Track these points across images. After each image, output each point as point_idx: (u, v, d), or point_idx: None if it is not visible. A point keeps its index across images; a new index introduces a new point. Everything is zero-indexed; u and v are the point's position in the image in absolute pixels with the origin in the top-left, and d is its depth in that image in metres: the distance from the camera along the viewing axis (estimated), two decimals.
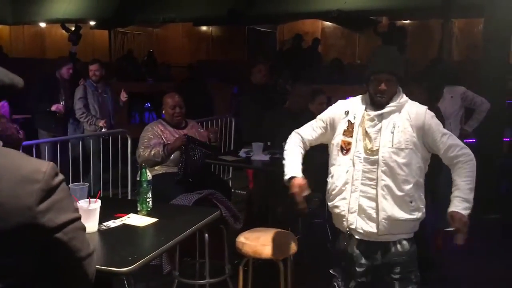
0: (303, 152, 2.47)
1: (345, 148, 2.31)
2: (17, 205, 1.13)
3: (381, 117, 2.28)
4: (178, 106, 3.78)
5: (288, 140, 2.47)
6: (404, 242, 2.32)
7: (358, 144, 2.28)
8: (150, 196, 2.26)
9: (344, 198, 2.31)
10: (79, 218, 1.27)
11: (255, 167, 3.68)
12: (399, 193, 2.23)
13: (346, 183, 2.29)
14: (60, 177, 1.22)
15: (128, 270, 1.64)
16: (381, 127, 2.26)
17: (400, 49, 9.95)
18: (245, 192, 4.04)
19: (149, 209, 2.25)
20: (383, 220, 2.25)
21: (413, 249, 2.35)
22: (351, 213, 2.29)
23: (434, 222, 4.19)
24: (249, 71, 5.00)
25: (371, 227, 2.28)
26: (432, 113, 2.33)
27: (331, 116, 2.40)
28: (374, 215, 2.26)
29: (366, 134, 2.27)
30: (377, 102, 2.26)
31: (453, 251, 4.44)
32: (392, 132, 2.24)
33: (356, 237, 2.33)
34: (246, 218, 3.90)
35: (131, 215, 2.21)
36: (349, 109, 2.35)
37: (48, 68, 5.61)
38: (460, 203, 2.18)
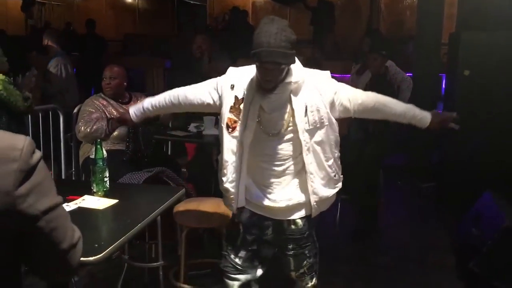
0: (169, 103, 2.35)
1: (231, 127, 2.13)
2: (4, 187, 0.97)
3: (279, 97, 2.08)
4: (110, 77, 3.52)
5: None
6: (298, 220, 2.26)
7: (249, 124, 2.11)
8: (107, 175, 2.05)
9: (233, 181, 2.19)
10: (61, 203, 1.09)
11: (207, 142, 3.53)
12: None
13: (232, 163, 2.16)
14: (38, 154, 1.03)
15: (98, 259, 1.47)
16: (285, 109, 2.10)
17: (329, 23, 10.08)
18: (184, 169, 3.91)
19: (105, 189, 2.05)
20: (314, 204, 2.21)
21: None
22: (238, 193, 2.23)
23: None
24: (184, 45, 4.79)
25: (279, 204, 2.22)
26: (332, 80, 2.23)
27: (218, 87, 2.21)
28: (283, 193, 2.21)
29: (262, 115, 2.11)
30: (264, 87, 2.06)
31: (390, 218, 4.63)
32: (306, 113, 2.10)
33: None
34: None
35: (86, 197, 2.01)
36: (235, 82, 2.15)
37: None
38: (422, 111, 2.29)
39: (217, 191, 3.62)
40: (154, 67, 7.89)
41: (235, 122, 2.11)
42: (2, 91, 3.20)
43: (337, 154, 2.26)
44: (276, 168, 2.18)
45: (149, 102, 2.42)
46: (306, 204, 2.22)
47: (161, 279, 3.00)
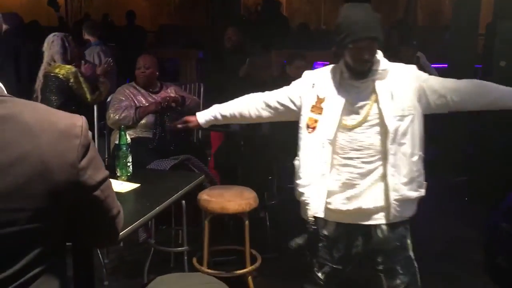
0: (254, 108, 2.25)
1: (310, 126, 2.07)
2: (60, 162, 1.07)
3: (366, 86, 2.04)
4: (144, 66, 3.61)
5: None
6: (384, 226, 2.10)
7: (334, 119, 2.03)
8: (130, 160, 2.13)
9: (323, 175, 2.07)
10: (109, 175, 1.22)
11: (232, 131, 3.58)
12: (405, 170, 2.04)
13: (315, 166, 2.07)
14: (90, 132, 1.14)
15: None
16: (369, 97, 2.03)
17: None
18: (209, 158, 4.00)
19: (129, 174, 2.13)
20: (394, 202, 2.05)
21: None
22: (337, 193, 2.09)
23: None
24: (216, 36, 4.86)
25: (370, 209, 2.08)
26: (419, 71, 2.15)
27: (297, 89, 2.15)
28: (374, 194, 2.07)
29: (346, 108, 2.04)
30: (358, 70, 2.02)
31: (420, 212, 4.57)
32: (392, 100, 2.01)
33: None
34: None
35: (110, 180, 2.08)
36: (316, 81, 2.10)
37: None
38: None
39: (243, 180, 3.69)
40: (187, 58, 7.97)
41: (316, 121, 2.04)
42: (72, 82, 3.40)
43: (421, 154, 2.09)
44: (362, 165, 2.04)
45: (220, 112, 2.31)
46: (389, 207, 2.05)
47: (186, 263, 3.08)
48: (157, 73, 3.70)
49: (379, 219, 2.08)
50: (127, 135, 2.16)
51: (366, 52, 1.95)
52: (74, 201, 1.14)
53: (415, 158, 2.05)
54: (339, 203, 2.09)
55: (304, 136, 2.09)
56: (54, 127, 1.08)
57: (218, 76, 4.55)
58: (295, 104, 2.16)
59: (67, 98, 3.45)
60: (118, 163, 2.11)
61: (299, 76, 4.39)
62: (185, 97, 3.69)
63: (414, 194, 2.08)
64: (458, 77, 2.19)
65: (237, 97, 3.83)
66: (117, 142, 2.15)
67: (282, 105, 2.19)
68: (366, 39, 1.94)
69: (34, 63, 4.45)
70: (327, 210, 2.11)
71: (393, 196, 2.02)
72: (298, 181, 2.14)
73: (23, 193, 1.04)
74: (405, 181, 2.03)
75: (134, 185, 2.04)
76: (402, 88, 2.03)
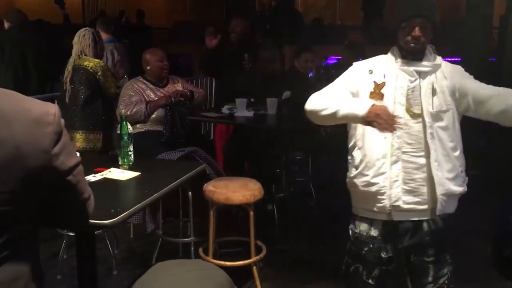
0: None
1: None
2: (33, 148, 1.12)
3: (419, 74, 2.00)
4: (164, 59, 3.69)
5: (314, 99, 2.02)
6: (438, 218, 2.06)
7: (396, 106, 1.96)
8: (132, 149, 2.17)
9: (383, 173, 1.97)
10: (81, 161, 1.27)
11: (239, 123, 3.61)
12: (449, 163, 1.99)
13: (384, 154, 1.97)
14: (63, 120, 1.19)
15: (112, 223, 1.57)
16: (419, 88, 2.00)
17: (378, 8, 9.84)
18: None
19: (131, 163, 2.17)
20: (441, 196, 1.99)
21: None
22: (394, 188, 1.98)
23: None
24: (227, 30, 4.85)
25: (421, 203, 2.02)
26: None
27: (353, 79, 2.04)
28: (425, 189, 2.00)
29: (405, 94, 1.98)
30: (410, 50, 1.97)
31: None
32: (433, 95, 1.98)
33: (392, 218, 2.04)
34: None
35: (112, 169, 2.13)
36: (373, 67, 2.02)
37: None
38: None
39: (252, 173, 3.72)
40: (200, 52, 8.02)
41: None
42: (100, 76, 3.48)
43: (461, 149, 2.05)
44: (416, 155, 1.98)
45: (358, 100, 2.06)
46: (436, 201, 2.01)
47: (192, 254, 3.12)
48: None
49: (427, 214, 2.04)
50: (128, 124, 2.20)
51: (418, 29, 1.92)
52: (47, 186, 1.19)
53: (457, 153, 2.03)
54: (394, 198, 2.00)
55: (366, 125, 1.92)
56: (28, 114, 1.13)
57: (224, 69, 4.56)
58: (353, 94, 2.04)
59: (93, 91, 3.52)
60: (120, 152, 2.15)
61: (307, 69, 4.41)
62: (193, 91, 3.74)
63: (459, 189, 2.06)
64: (473, 71, 2.10)
65: (246, 90, 3.86)
66: (118, 132, 2.19)
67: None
68: (418, 17, 1.92)
69: (40, 57, 4.58)
70: (376, 208, 2.03)
71: (439, 191, 1.98)
72: (366, 172, 2.00)
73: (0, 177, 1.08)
74: (449, 176, 2.00)
75: (134, 173, 2.08)
76: (445, 83, 2.01)
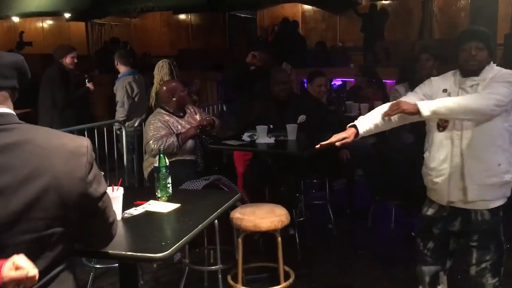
0: None
1: (441, 126, 2.36)
2: (71, 177, 1.29)
3: (474, 89, 2.33)
4: (184, 89, 3.81)
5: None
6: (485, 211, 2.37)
7: (464, 124, 2.31)
8: (170, 182, 2.22)
9: (442, 174, 2.38)
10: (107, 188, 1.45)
11: (261, 150, 3.66)
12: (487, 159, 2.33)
13: (444, 160, 2.37)
14: (93, 152, 1.35)
15: (164, 256, 1.60)
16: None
17: (379, 30, 9.99)
18: None
19: (169, 195, 2.21)
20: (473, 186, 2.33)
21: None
22: (450, 186, 2.38)
23: None
24: (234, 58, 4.93)
25: (464, 195, 2.36)
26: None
27: (430, 93, 2.43)
28: (466, 183, 2.34)
29: None
30: (468, 68, 2.33)
31: None
32: None
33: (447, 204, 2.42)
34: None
35: (151, 201, 2.17)
36: (447, 87, 2.40)
37: (29, 63, 5.41)
38: None
39: (272, 198, 3.76)
40: (207, 80, 8.14)
41: (446, 121, 2.34)
42: None
43: (505, 146, 2.34)
44: (472, 156, 2.32)
45: (373, 122, 2.45)
46: (493, 195, 2.35)
47: (220, 281, 3.13)
48: None
49: (479, 204, 2.36)
50: (166, 157, 2.25)
51: (473, 50, 2.30)
52: (81, 210, 1.33)
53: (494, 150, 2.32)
54: (452, 191, 2.39)
55: (436, 134, 2.40)
56: (63, 148, 1.30)
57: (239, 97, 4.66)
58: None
59: None
60: (159, 185, 2.20)
61: (320, 93, 4.47)
62: (213, 119, 3.82)
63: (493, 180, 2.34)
64: None
65: (261, 117, 3.93)
66: (156, 164, 2.23)
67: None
68: (472, 41, 2.31)
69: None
70: (438, 193, 2.46)
71: (489, 181, 2.31)
72: (431, 172, 2.45)
73: (41, 204, 1.24)
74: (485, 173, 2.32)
75: (174, 205, 2.12)
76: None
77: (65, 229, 1.30)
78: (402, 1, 11.45)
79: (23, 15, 12.36)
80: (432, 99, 2.34)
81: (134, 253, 1.59)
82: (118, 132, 4.80)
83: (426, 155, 2.50)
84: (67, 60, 4.90)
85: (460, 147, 2.34)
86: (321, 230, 4.38)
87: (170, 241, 1.69)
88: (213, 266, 3.28)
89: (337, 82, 8.01)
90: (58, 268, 1.31)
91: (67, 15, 11.89)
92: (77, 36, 13.45)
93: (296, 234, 3.89)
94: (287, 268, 3.17)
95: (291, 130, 3.60)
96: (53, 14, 12.18)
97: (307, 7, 12.50)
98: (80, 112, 5.19)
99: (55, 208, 1.25)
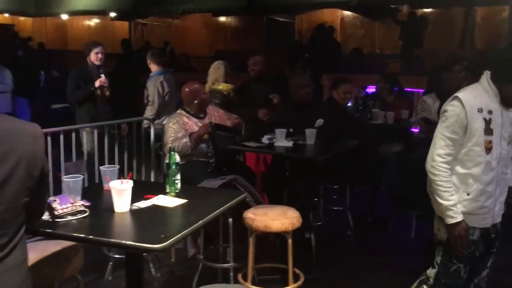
0: None
1: (487, 148, 2.25)
2: (34, 155, 1.55)
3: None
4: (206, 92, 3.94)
5: (443, 169, 2.29)
6: None
7: (501, 142, 2.29)
8: (179, 178, 2.31)
9: (490, 197, 2.32)
10: None
11: (278, 153, 3.72)
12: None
13: (491, 182, 2.30)
14: None
15: (161, 247, 1.69)
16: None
17: (418, 38, 9.81)
18: None
19: (177, 190, 2.30)
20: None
21: None
22: (497, 207, 2.37)
23: None
24: (270, 60, 4.99)
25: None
26: None
27: (468, 124, 2.25)
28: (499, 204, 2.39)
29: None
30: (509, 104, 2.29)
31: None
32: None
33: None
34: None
35: (160, 196, 2.27)
36: (482, 106, 2.25)
37: (71, 59, 5.62)
38: None
39: (290, 201, 3.80)
40: (240, 82, 8.22)
41: (490, 142, 2.25)
42: (232, 95, 4.66)
43: None
44: (501, 177, 2.36)
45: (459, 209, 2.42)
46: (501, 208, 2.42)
47: (232, 279, 3.21)
48: None
49: (500, 216, 2.44)
50: (176, 154, 2.34)
51: None
52: (37, 184, 1.58)
53: None
54: (498, 210, 2.41)
55: (483, 158, 2.27)
56: (26, 132, 1.56)
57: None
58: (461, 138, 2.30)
59: (226, 107, 4.41)
60: (168, 180, 2.30)
61: (346, 100, 4.48)
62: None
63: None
64: None
65: (280, 120, 4.00)
66: (167, 161, 2.33)
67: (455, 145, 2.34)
68: None
69: None
70: (482, 217, 2.38)
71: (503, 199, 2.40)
72: (479, 197, 2.32)
73: (14, 177, 1.49)
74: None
75: (181, 201, 2.21)
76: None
77: (29, 199, 1.57)
78: (444, 10, 11.22)
79: (71, 13, 12.88)
80: (469, 124, 2.25)
81: (132, 243, 1.69)
82: (147, 129, 4.95)
83: (469, 182, 2.31)
84: (92, 56, 4.82)
85: (499, 167, 2.32)
86: (340, 236, 4.38)
87: (170, 234, 1.77)
88: (227, 263, 3.36)
89: (371, 89, 7.95)
90: (21, 233, 1.58)
91: (112, 14, 12.31)
92: (121, 35, 13.88)
93: (312, 238, 3.91)
94: (297, 271, 3.21)
95: (310, 135, 3.64)
96: (99, 12, 12.64)
97: (346, 12, 12.43)
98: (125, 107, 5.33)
99: (24, 181, 1.51)
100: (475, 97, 2.26)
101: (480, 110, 2.24)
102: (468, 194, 2.29)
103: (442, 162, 2.27)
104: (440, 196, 2.28)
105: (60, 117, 7.58)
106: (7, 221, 1.50)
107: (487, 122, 2.24)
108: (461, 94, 2.28)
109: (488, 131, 2.24)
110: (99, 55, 4.82)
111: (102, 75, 4.75)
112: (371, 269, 3.77)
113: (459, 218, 2.27)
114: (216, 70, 4.79)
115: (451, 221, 2.27)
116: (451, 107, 2.27)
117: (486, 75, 2.31)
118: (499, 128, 2.28)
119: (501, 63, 2.31)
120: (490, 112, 2.25)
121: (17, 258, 1.54)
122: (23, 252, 1.58)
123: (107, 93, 4.79)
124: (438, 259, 2.44)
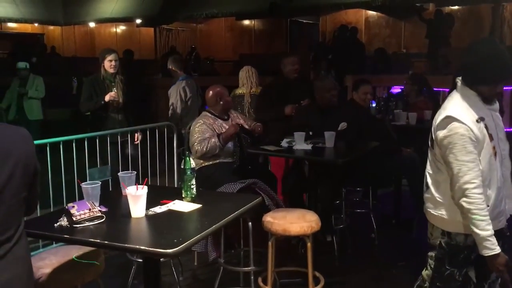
0: None
1: (493, 154, 2.24)
2: (29, 155, 1.74)
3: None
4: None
5: (477, 196, 2.14)
6: None
7: (500, 144, 2.29)
8: (194, 183, 2.33)
9: (502, 200, 2.29)
10: None
11: (298, 157, 3.71)
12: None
13: (501, 186, 2.27)
14: None
15: (174, 252, 1.72)
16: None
17: (444, 37, 9.62)
18: None
19: (193, 196, 2.33)
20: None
21: None
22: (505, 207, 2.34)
23: None
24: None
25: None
26: None
27: (476, 138, 2.17)
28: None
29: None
30: (492, 102, 2.28)
31: None
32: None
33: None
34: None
35: (176, 201, 2.30)
36: (474, 115, 2.19)
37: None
38: None
39: (311, 204, 3.79)
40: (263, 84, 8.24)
41: (494, 147, 2.24)
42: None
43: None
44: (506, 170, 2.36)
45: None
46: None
47: (252, 283, 3.21)
48: None
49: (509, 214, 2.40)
50: (191, 160, 2.37)
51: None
52: (32, 181, 1.76)
53: None
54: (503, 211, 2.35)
55: (493, 164, 2.23)
56: (19, 134, 1.74)
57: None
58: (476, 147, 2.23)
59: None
60: (183, 185, 2.32)
61: (366, 101, 4.44)
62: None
63: None
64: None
65: (303, 123, 3.99)
66: (182, 166, 2.36)
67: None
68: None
69: None
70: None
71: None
72: (496, 204, 2.28)
73: (15, 175, 1.66)
74: None
75: (196, 206, 2.24)
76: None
77: (27, 193, 1.74)
78: (471, 7, 10.99)
79: (99, 21, 13.18)
80: (478, 139, 2.19)
81: (145, 247, 1.72)
82: (170, 134, 5.02)
83: (488, 193, 2.23)
84: (106, 64, 4.70)
85: (501, 168, 2.30)
86: (363, 239, 4.34)
87: (183, 239, 1.80)
88: (248, 267, 3.37)
89: (396, 89, 7.85)
90: (23, 224, 1.75)
91: (138, 21, 12.54)
92: (147, 41, 14.12)
93: (334, 241, 3.89)
94: (318, 274, 3.20)
95: (329, 137, 3.62)
96: (126, 20, 12.88)
97: (371, 12, 12.31)
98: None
99: (22, 178, 1.69)
100: (466, 109, 2.19)
101: (478, 121, 2.17)
102: (488, 206, 2.18)
103: (474, 188, 2.12)
104: (476, 226, 2.11)
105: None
106: (13, 214, 1.69)
107: (486, 129, 2.19)
108: (451, 112, 2.18)
109: (490, 137, 2.20)
110: (113, 63, 4.70)
111: (114, 90, 4.66)
112: (394, 273, 3.72)
113: (497, 250, 2.11)
114: (250, 75, 5.15)
115: (489, 253, 2.12)
116: (451, 132, 2.15)
117: (460, 82, 2.27)
118: (495, 131, 2.26)
119: (465, 67, 2.24)
120: (482, 119, 2.18)
121: (23, 247, 1.72)
122: (26, 241, 1.77)
123: (120, 103, 4.71)
124: (431, 263, 2.40)
